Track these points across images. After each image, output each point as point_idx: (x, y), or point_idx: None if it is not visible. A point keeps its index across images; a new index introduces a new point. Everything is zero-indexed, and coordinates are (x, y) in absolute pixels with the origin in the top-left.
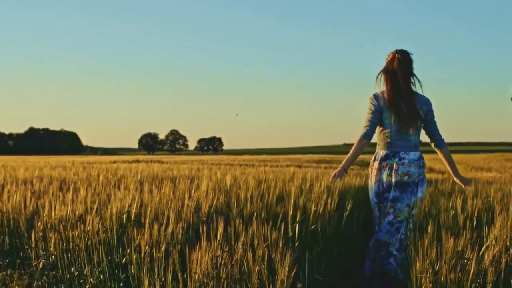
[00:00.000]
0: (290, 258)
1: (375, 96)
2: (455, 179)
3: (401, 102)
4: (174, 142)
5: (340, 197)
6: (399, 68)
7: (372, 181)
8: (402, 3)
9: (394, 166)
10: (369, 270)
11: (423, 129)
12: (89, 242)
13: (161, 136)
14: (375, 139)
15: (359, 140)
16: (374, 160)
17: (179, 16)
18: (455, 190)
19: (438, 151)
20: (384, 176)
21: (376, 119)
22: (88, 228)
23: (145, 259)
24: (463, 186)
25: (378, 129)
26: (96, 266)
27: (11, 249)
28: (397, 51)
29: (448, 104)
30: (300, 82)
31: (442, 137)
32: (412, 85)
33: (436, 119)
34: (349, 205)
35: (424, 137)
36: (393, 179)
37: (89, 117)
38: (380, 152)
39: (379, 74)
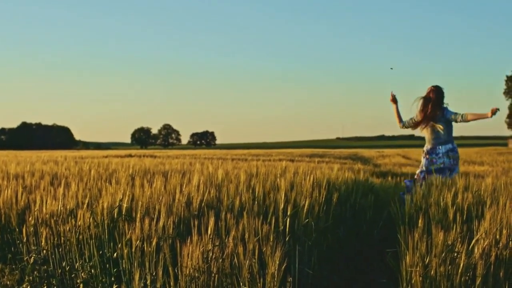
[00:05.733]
0: (281, 251)
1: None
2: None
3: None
4: (167, 137)
5: (328, 190)
6: (435, 95)
7: (422, 162)
8: None
9: (433, 160)
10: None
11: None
12: (81, 236)
13: (154, 131)
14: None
15: (401, 121)
16: (423, 152)
17: (171, 10)
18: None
19: (465, 118)
20: (427, 164)
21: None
22: (80, 223)
23: (136, 253)
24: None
25: (424, 131)
26: (87, 261)
27: (2, 244)
28: (433, 86)
29: None
30: (293, 76)
31: (457, 115)
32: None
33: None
34: (335, 198)
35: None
36: (433, 167)
37: (82, 112)
38: (426, 146)
39: (421, 98)
